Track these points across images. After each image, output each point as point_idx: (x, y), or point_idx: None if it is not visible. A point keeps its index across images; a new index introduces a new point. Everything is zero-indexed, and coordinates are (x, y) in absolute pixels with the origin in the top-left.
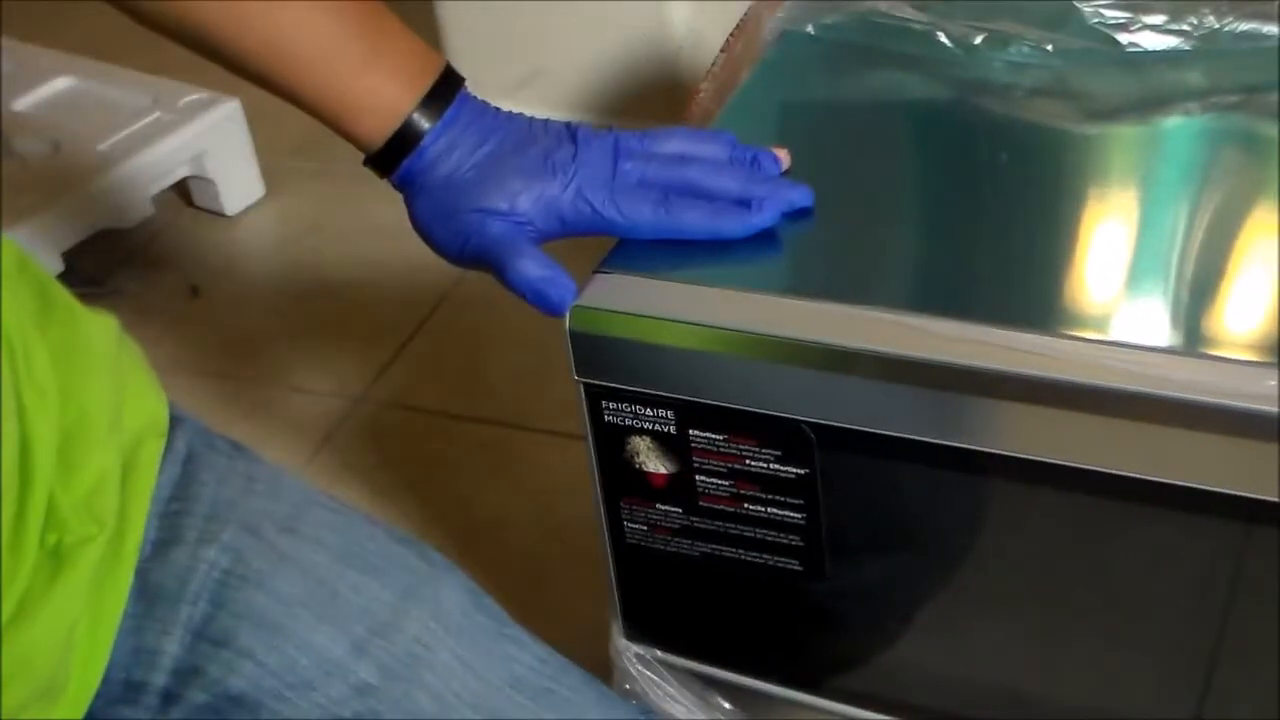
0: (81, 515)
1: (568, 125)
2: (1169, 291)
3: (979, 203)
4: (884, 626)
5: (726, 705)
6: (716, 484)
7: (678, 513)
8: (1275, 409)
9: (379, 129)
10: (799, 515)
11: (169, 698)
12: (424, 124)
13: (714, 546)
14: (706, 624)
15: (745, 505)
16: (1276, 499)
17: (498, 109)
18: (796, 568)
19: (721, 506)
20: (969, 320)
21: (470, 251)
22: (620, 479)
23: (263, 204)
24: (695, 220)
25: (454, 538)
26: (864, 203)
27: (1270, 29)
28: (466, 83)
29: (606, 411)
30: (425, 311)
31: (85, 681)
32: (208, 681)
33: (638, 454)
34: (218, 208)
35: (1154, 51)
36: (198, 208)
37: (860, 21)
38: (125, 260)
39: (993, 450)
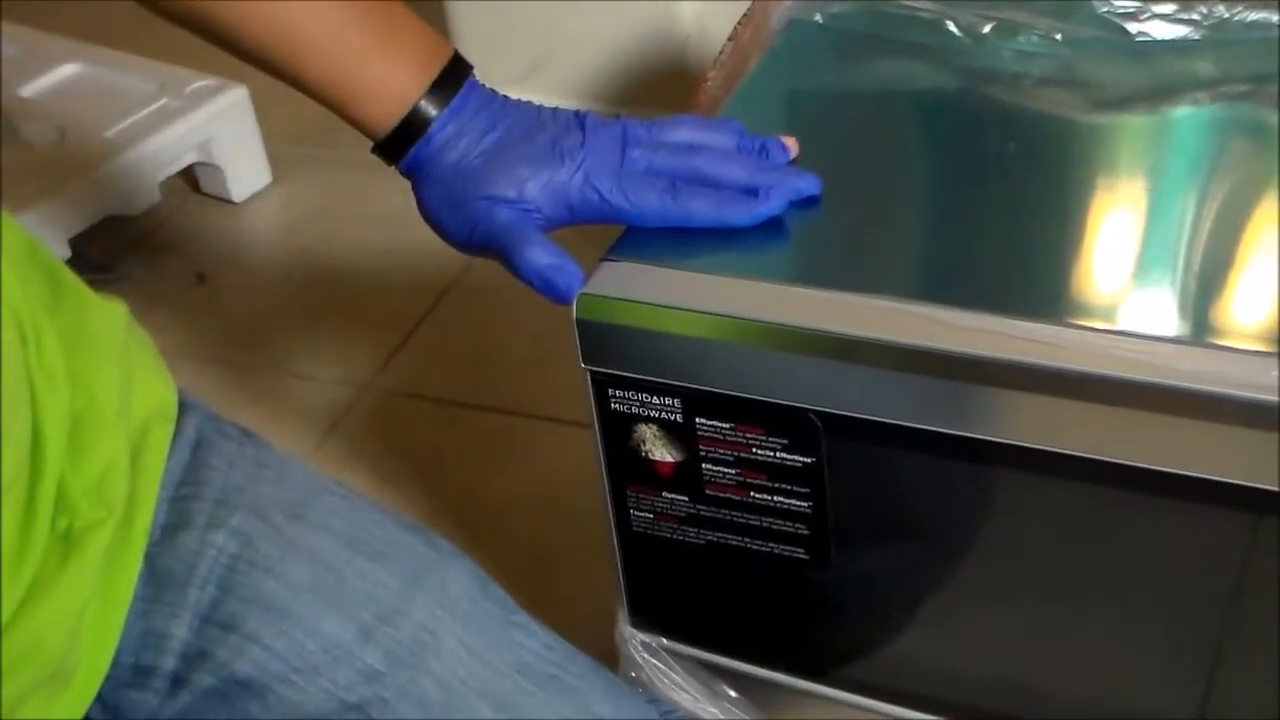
0: (91, 499)
1: (576, 113)
2: (1176, 281)
3: (987, 192)
4: (889, 616)
5: (732, 693)
6: (723, 472)
7: (684, 501)
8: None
9: (387, 116)
10: (805, 504)
11: (177, 681)
12: (432, 111)
13: (720, 535)
14: (712, 612)
15: (751, 494)
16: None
17: (505, 96)
18: (802, 556)
19: (728, 495)
20: (976, 309)
21: (478, 239)
22: (627, 467)
23: (270, 191)
24: (703, 208)
25: (461, 525)
26: (871, 191)
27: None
28: (474, 70)
29: (613, 399)
30: (432, 299)
31: (95, 665)
32: (215, 665)
33: (644, 442)
34: (225, 194)
35: (1163, 41)
36: (204, 194)
37: (868, 10)
38: (132, 247)
39: (999, 439)
